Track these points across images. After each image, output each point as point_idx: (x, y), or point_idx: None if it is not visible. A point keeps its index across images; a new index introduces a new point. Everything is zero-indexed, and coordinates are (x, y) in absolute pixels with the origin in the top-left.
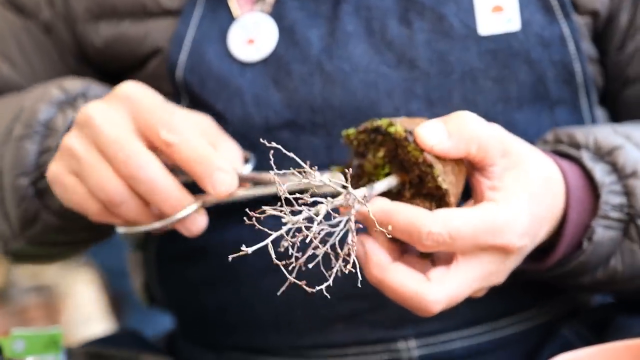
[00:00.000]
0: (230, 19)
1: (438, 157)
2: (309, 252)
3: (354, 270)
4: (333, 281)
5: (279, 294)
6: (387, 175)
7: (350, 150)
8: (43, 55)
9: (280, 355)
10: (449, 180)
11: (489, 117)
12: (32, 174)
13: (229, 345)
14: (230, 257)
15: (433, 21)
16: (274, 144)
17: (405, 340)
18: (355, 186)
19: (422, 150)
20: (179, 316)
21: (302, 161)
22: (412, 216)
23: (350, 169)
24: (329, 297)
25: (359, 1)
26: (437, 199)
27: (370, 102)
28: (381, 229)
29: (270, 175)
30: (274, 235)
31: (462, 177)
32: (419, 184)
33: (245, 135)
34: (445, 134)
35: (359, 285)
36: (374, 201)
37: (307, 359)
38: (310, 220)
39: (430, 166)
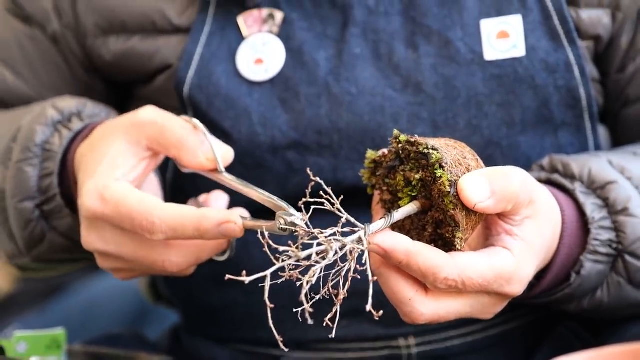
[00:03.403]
0: (239, 38)
1: (467, 209)
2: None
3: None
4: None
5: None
6: (412, 196)
7: (392, 149)
8: (49, 65)
9: (287, 349)
10: (465, 238)
11: (493, 140)
12: (36, 198)
13: (236, 339)
14: (226, 277)
15: (439, 46)
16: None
17: (404, 337)
18: (381, 185)
19: (456, 206)
20: (185, 312)
21: (311, 180)
22: (432, 260)
23: (366, 225)
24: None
25: (366, 24)
26: (447, 242)
27: (377, 125)
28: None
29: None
30: (274, 268)
31: (479, 224)
32: (437, 222)
33: (251, 154)
34: (488, 193)
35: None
36: (397, 238)
37: (311, 353)
38: (319, 253)
39: (457, 225)
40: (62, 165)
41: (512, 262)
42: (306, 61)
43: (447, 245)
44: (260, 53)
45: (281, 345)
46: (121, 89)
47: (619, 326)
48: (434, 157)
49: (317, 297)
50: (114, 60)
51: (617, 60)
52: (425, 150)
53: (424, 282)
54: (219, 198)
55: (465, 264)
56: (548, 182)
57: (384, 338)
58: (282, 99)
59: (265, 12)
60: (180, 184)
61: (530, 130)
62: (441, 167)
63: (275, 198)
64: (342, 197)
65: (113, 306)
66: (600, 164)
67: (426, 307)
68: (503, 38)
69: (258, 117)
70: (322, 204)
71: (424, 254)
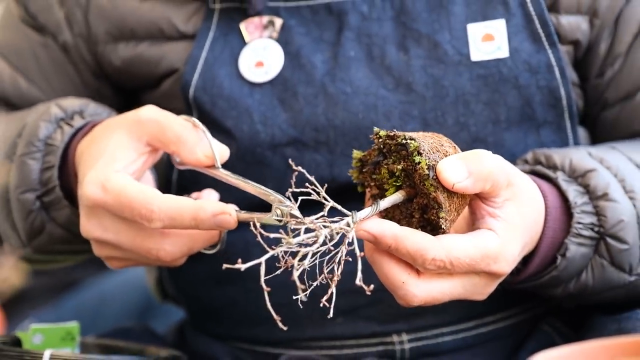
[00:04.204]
0: (242, 43)
1: (448, 191)
2: (309, 261)
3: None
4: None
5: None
6: (397, 186)
7: (375, 147)
8: (60, 72)
9: (283, 347)
10: (450, 219)
11: (480, 137)
12: (37, 190)
13: (235, 337)
14: (224, 266)
15: (428, 48)
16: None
17: (398, 334)
18: (369, 181)
19: (437, 188)
20: (189, 309)
21: (306, 176)
22: (419, 243)
23: (354, 212)
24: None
25: (360, 28)
26: (434, 226)
27: (370, 122)
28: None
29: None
30: (269, 254)
31: (464, 207)
32: (423, 207)
33: (251, 151)
34: (465, 173)
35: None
36: (385, 224)
37: (308, 350)
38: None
39: (440, 206)
40: (63, 159)
41: (496, 241)
42: (304, 63)
43: (435, 229)
44: (261, 57)
45: (279, 324)
46: (128, 95)
47: (598, 323)
48: (412, 145)
49: (315, 283)
50: (123, 66)
51: (596, 66)
52: (404, 141)
53: (415, 266)
54: (210, 195)
55: (451, 244)
56: (532, 173)
57: (378, 335)
58: (282, 98)
59: (265, 19)
60: (184, 185)
61: (514, 127)
62: (419, 154)
63: (270, 191)
64: (326, 185)
65: (122, 301)
66: (580, 155)
67: (419, 289)
68: (488, 41)
69: (259, 116)
70: (309, 194)
71: (411, 237)
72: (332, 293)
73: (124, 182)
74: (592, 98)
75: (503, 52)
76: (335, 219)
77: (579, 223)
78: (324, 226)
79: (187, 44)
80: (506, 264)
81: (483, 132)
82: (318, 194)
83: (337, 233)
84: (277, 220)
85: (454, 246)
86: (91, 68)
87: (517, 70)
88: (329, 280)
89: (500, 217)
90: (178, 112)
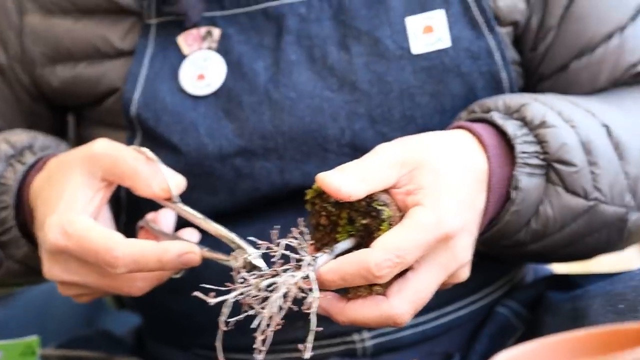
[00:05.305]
0: (180, 56)
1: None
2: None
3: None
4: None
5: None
6: (350, 233)
7: (313, 214)
8: None
9: (246, 353)
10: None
11: (428, 128)
12: None
13: (195, 345)
14: (194, 294)
15: (369, 45)
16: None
17: (359, 332)
18: (322, 211)
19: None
20: (147, 319)
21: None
22: (356, 260)
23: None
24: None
25: (300, 31)
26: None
27: (318, 125)
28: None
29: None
30: (235, 293)
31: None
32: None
33: (200, 164)
34: (360, 184)
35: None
36: (323, 267)
37: (271, 355)
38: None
39: (378, 211)
40: (17, 198)
41: (423, 211)
42: (246, 72)
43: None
44: (202, 69)
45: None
46: (66, 112)
47: (553, 303)
48: (386, 214)
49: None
50: (63, 87)
51: (529, 40)
52: (378, 207)
53: (375, 286)
54: (167, 215)
55: (384, 241)
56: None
57: (340, 334)
58: (226, 109)
59: (203, 30)
60: (134, 200)
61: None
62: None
63: (232, 235)
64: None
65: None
66: (512, 95)
67: (398, 306)
68: (428, 32)
69: (204, 129)
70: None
71: (347, 260)
72: (266, 337)
73: (86, 226)
74: (528, 72)
75: (444, 42)
76: (296, 255)
77: (523, 152)
78: (289, 274)
79: (125, 61)
80: (449, 222)
81: (431, 123)
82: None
83: (298, 285)
84: (243, 267)
85: (387, 240)
86: (27, 89)
87: (459, 58)
88: (270, 321)
89: (414, 190)
90: (122, 128)
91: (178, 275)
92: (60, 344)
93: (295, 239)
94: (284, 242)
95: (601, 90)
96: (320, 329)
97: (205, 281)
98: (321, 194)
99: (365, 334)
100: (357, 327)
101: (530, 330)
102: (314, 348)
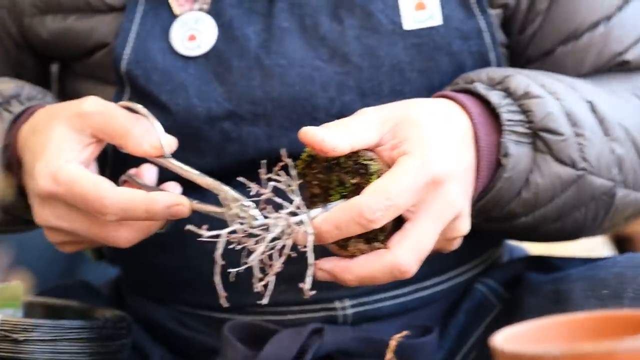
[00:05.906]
0: (171, 16)
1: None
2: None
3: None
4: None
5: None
6: (342, 194)
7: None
8: None
9: (227, 312)
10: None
11: None
12: None
13: (177, 300)
14: (186, 228)
15: (362, 18)
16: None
17: (340, 300)
18: (312, 180)
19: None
20: (128, 272)
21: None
22: (347, 206)
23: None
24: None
25: None
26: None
27: (307, 94)
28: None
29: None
30: (229, 229)
31: None
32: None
33: (188, 125)
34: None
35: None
36: (317, 219)
37: (253, 316)
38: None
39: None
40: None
41: (408, 157)
42: (237, 36)
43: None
44: (193, 30)
45: (223, 300)
46: (50, 63)
47: (534, 283)
48: (373, 167)
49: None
50: (52, 38)
51: (518, 23)
52: (365, 162)
53: (370, 234)
54: (150, 170)
55: (374, 186)
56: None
57: (321, 301)
58: (216, 72)
59: None
60: (121, 156)
61: None
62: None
63: (224, 187)
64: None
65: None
66: (495, 68)
67: (401, 252)
68: (420, 9)
69: (194, 90)
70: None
71: (340, 209)
72: (268, 282)
73: (76, 173)
74: (515, 54)
75: (435, 20)
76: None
77: (509, 120)
78: (284, 218)
79: (116, 17)
80: (437, 162)
81: None
82: (289, 185)
83: (290, 227)
84: (238, 218)
85: (377, 185)
86: (15, 39)
87: (450, 37)
88: (268, 267)
89: (396, 144)
90: (112, 84)
91: (163, 231)
92: (41, 292)
93: (279, 175)
94: (272, 184)
95: (585, 76)
96: (319, 260)
97: (190, 239)
98: (310, 164)
99: (347, 302)
100: (339, 295)
101: (508, 309)
102: (294, 313)
